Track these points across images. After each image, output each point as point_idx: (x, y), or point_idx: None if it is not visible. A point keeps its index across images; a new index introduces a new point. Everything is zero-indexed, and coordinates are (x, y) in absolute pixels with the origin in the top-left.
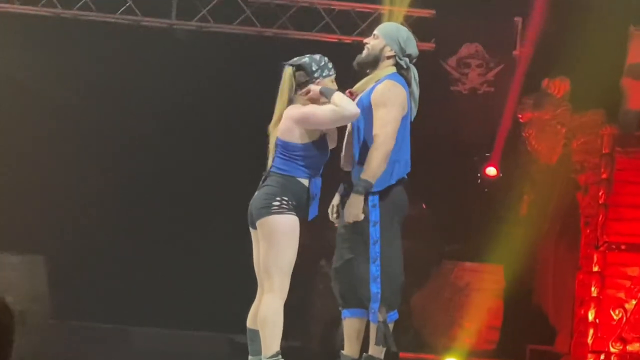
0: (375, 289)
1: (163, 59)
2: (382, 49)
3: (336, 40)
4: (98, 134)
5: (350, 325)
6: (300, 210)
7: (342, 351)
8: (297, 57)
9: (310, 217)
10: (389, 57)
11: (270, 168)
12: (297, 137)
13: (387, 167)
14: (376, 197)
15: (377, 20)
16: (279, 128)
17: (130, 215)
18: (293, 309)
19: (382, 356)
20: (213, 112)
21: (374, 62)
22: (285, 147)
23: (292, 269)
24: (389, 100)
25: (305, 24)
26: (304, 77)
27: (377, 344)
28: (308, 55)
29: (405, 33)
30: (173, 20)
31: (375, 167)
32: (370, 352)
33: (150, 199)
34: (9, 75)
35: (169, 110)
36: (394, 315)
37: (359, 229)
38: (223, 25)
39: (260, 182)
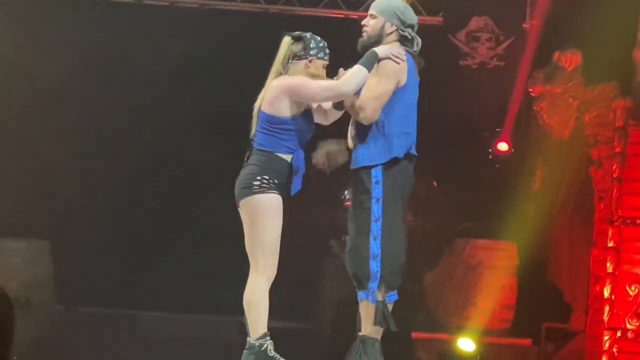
0: (375, 267)
1: (166, 38)
2: (382, 27)
3: (342, 15)
4: (102, 119)
5: (363, 307)
6: (282, 187)
7: (359, 333)
8: (300, 32)
9: (293, 192)
10: (391, 33)
11: (253, 143)
12: (281, 109)
13: (384, 141)
14: (379, 173)
15: None
16: (265, 100)
17: (136, 200)
18: (303, 290)
19: (379, 336)
20: (220, 90)
21: (376, 42)
22: (268, 121)
23: (277, 248)
24: (378, 71)
25: (311, 0)
26: (301, 50)
27: (375, 324)
28: (311, 33)
29: (400, 3)
30: None
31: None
32: (367, 333)
33: (157, 184)
34: (11, 57)
35: (173, 90)
36: (394, 295)
37: (361, 207)
38: (226, 2)
39: (245, 159)
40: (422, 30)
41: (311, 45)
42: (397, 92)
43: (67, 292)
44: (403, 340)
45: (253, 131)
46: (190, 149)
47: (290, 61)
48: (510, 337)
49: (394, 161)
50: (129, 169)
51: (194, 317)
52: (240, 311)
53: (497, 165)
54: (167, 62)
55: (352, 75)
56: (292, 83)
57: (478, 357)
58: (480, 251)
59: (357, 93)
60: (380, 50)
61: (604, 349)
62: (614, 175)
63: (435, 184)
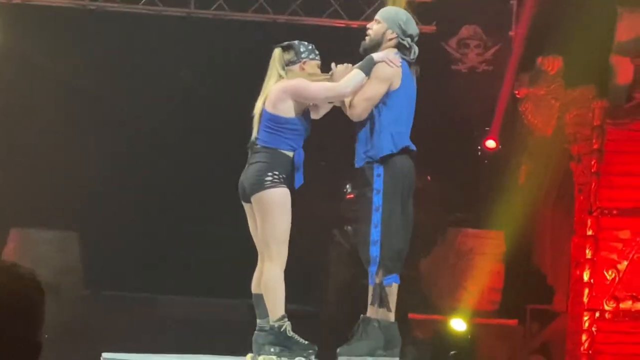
0: (374, 252)
1: (183, 47)
2: (384, 33)
3: (344, 25)
4: (126, 118)
5: (371, 290)
6: (288, 181)
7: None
8: (286, 42)
9: (296, 186)
10: (391, 39)
11: (256, 141)
12: (285, 110)
13: (382, 139)
14: (381, 168)
15: (382, 6)
16: (269, 101)
17: (157, 192)
18: (308, 276)
19: (379, 317)
20: (231, 95)
21: (377, 46)
22: (273, 120)
23: (288, 237)
24: (374, 74)
25: (315, 10)
26: (293, 56)
27: (372, 303)
28: (297, 40)
29: (404, 15)
30: (192, 9)
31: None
32: (367, 314)
33: (177, 177)
34: (40, 64)
35: (189, 94)
36: (394, 278)
37: (363, 198)
38: (238, 13)
39: (249, 157)
40: (417, 38)
41: (301, 50)
42: (392, 94)
43: (94, 278)
44: (401, 320)
45: (255, 133)
46: (207, 148)
47: (285, 68)
48: (498, 318)
49: (393, 156)
50: (151, 166)
51: (208, 299)
52: (250, 294)
53: (486, 161)
54: (185, 68)
55: (351, 78)
56: (295, 85)
57: (469, 336)
58: (470, 239)
59: None
60: (376, 55)
61: (583, 328)
62: (593, 170)
63: (429, 178)
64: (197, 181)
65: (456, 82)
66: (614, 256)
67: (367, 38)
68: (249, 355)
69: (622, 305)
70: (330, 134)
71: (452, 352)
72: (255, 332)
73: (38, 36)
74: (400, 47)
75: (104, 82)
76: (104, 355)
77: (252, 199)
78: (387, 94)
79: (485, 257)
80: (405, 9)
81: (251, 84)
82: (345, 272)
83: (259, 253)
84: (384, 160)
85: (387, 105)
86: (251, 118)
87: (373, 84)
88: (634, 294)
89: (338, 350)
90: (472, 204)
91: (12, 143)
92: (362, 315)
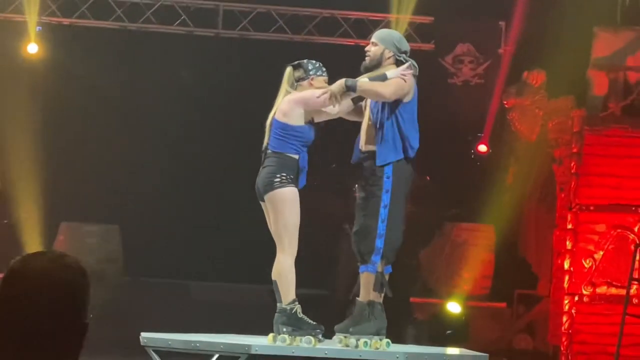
0: (379, 244)
1: (212, 63)
2: (382, 53)
3: (353, 43)
4: (160, 126)
5: (366, 277)
6: (295, 182)
7: (357, 298)
8: (297, 61)
9: (300, 186)
10: (389, 58)
11: (268, 147)
12: (294, 119)
13: (397, 144)
14: (390, 170)
15: (387, 26)
16: (279, 111)
17: (190, 190)
18: (322, 265)
19: (381, 300)
20: (253, 106)
21: (377, 65)
22: (282, 128)
23: (297, 230)
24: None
25: (328, 30)
26: (302, 73)
27: (374, 290)
28: (306, 59)
29: (397, 35)
30: (220, 30)
31: (369, 87)
32: (371, 298)
33: (208, 177)
34: (85, 77)
35: (217, 104)
36: (389, 268)
37: (373, 196)
38: (260, 33)
39: (262, 161)
40: (417, 54)
41: (309, 67)
42: (406, 106)
43: (134, 266)
44: (403, 304)
45: (266, 141)
46: (234, 151)
47: (294, 85)
48: (489, 301)
49: (401, 161)
50: (184, 167)
51: (235, 285)
52: (270, 280)
53: (478, 163)
54: (213, 83)
55: (342, 81)
56: (304, 95)
57: (463, 317)
58: (464, 232)
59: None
60: (390, 73)
61: (564, 311)
62: (572, 171)
63: (428, 178)
64: (226, 180)
65: (452, 93)
66: (591, 247)
67: (367, 59)
68: (271, 335)
69: (598, 290)
70: (339, 139)
71: (448, 331)
72: (276, 314)
73: (84, 53)
74: (398, 64)
75: (141, 94)
76: (143, 334)
77: (265, 198)
78: (402, 105)
79: (478, 248)
80: (407, 29)
81: (268, 94)
82: (354, 261)
83: (277, 244)
84: (394, 164)
85: (402, 116)
86: (263, 125)
87: (399, 83)
88: (609, 280)
89: (350, 330)
90: (466, 200)
91: (61, 148)
92: (357, 299)
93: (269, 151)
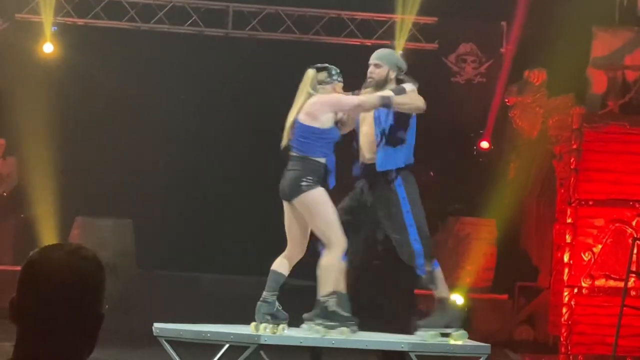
0: (417, 247)
1: (222, 62)
2: (387, 74)
3: (359, 43)
4: (171, 124)
5: (424, 280)
6: (322, 182)
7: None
8: (319, 64)
9: (330, 187)
10: (392, 78)
11: (291, 149)
12: (323, 122)
13: (406, 151)
14: (399, 177)
15: (392, 28)
16: (306, 114)
17: (199, 186)
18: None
19: (447, 296)
20: (261, 104)
21: (382, 86)
22: (309, 131)
23: (339, 224)
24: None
25: (334, 30)
26: (327, 77)
27: (431, 289)
28: (328, 64)
29: (396, 55)
30: (229, 30)
31: (408, 100)
32: (441, 295)
33: (217, 174)
34: (97, 75)
35: (226, 103)
36: (437, 262)
37: (392, 203)
38: (269, 33)
39: (288, 164)
40: (422, 54)
41: (333, 73)
42: (414, 117)
43: (146, 259)
44: (408, 296)
45: (285, 141)
46: (243, 149)
47: (316, 87)
48: (491, 293)
49: (409, 166)
50: (194, 164)
51: (246, 277)
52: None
53: (481, 159)
54: (224, 82)
55: (381, 94)
56: (337, 99)
57: (466, 309)
58: (467, 226)
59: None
60: (407, 87)
61: (564, 302)
62: (572, 167)
63: (432, 174)
64: (236, 175)
65: (455, 92)
66: (590, 240)
67: (371, 81)
68: (305, 325)
69: (596, 283)
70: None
71: None
72: (259, 302)
73: (98, 52)
74: (398, 81)
75: (152, 91)
76: (155, 325)
77: (295, 202)
78: (412, 117)
79: (480, 241)
80: (411, 29)
81: (276, 92)
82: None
83: (288, 242)
84: (401, 170)
85: (410, 126)
86: (272, 122)
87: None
88: (607, 272)
89: (418, 323)
90: (469, 195)
91: (76, 145)
92: (442, 297)
93: (294, 154)
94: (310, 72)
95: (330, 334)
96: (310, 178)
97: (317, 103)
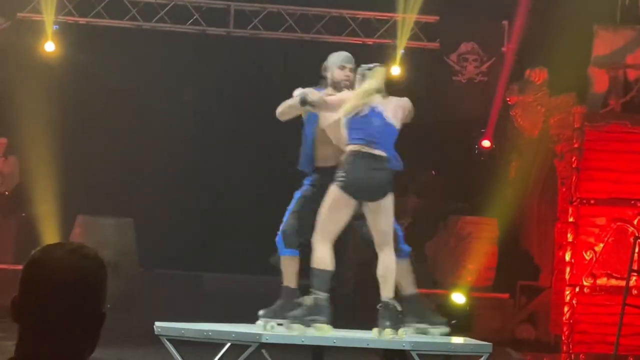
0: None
1: (223, 60)
2: (331, 77)
3: (360, 42)
4: (173, 122)
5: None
6: None
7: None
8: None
9: None
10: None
11: (372, 145)
12: (400, 125)
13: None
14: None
15: (394, 27)
16: (395, 115)
17: (201, 185)
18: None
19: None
20: (263, 103)
21: (335, 87)
22: (395, 133)
23: None
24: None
25: (336, 29)
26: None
27: None
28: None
29: (333, 55)
30: (231, 29)
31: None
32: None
33: (221, 168)
34: (99, 73)
35: (228, 101)
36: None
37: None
38: (271, 32)
39: (370, 162)
40: (423, 53)
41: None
42: (305, 122)
43: (147, 258)
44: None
45: (360, 135)
46: (246, 148)
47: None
48: (492, 292)
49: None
50: (196, 163)
51: (248, 276)
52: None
53: (482, 158)
54: (226, 80)
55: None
56: (407, 102)
57: (467, 308)
58: (468, 225)
59: None
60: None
61: (565, 301)
62: (573, 166)
63: (433, 172)
64: (238, 174)
65: (456, 90)
66: (592, 239)
67: (349, 84)
68: (375, 330)
69: (598, 282)
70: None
71: (453, 321)
72: (379, 308)
73: (99, 51)
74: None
75: (153, 90)
76: (157, 324)
77: (383, 200)
78: (305, 122)
79: (482, 240)
80: (413, 28)
81: (281, 92)
82: (361, 256)
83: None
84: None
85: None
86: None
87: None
88: (609, 271)
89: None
90: (470, 194)
91: (77, 144)
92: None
93: (380, 154)
94: (383, 70)
95: (401, 334)
96: (391, 179)
97: (403, 106)
